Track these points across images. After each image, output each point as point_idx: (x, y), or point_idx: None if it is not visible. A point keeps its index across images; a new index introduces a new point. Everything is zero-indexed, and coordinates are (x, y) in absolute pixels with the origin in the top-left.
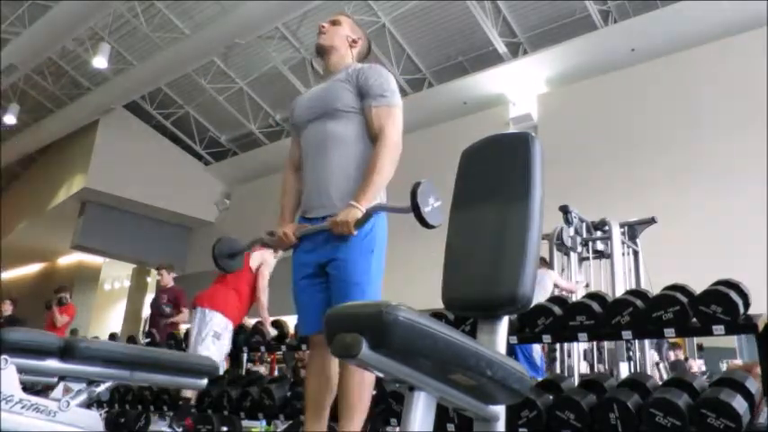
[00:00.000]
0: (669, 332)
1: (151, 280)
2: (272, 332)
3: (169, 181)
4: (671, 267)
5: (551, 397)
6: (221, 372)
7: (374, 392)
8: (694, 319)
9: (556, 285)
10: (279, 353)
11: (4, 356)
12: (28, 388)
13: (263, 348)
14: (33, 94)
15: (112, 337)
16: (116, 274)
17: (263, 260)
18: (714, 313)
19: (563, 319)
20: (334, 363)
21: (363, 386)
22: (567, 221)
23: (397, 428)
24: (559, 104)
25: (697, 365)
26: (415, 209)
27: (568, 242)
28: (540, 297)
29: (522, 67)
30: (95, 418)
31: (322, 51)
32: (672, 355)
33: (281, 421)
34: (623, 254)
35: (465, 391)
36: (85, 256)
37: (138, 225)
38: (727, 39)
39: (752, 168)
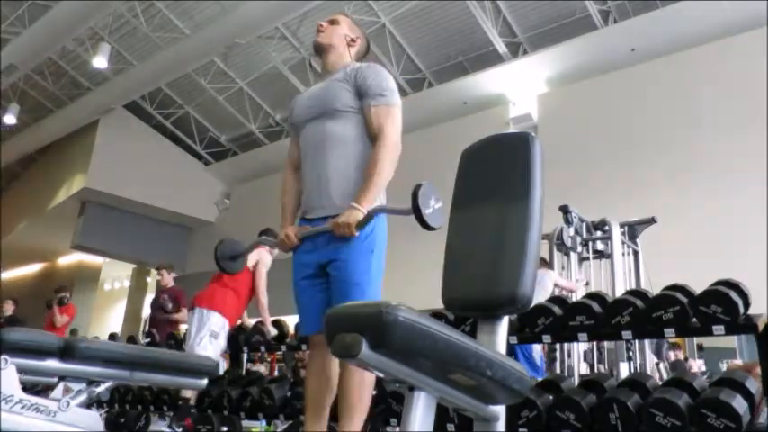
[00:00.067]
0: (669, 332)
1: (151, 280)
2: (273, 332)
3: (169, 181)
4: (671, 267)
5: (551, 397)
6: (221, 371)
7: (374, 392)
8: (694, 319)
9: (556, 285)
10: (279, 353)
11: (4, 356)
12: (28, 388)
13: (263, 348)
14: (33, 94)
15: (112, 337)
16: (116, 274)
17: (260, 259)
18: (714, 313)
19: (563, 319)
20: (335, 363)
21: (363, 386)
22: (567, 221)
23: (397, 428)
24: (559, 104)
25: (697, 365)
26: (416, 211)
27: (568, 242)
28: (540, 297)
29: (522, 67)
30: (95, 418)
31: (320, 50)
32: (672, 355)
33: (281, 421)
34: (623, 254)
35: (465, 391)
36: (85, 256)
37: (138, 225)
38: (727, 39)
39: (752, 168)
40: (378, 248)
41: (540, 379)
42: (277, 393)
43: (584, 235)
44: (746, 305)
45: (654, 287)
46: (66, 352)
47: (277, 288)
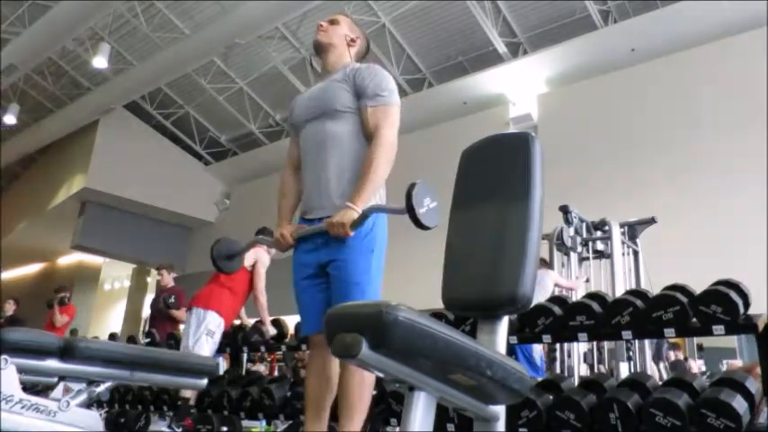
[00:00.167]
0: (669, 332)
1: (151, 280)
2: (272, 331)
3: (169, 181)
4: (671, 267)
5: (551, 397)
6: (221, 371)
7: (374, 392)
8: (694, 319)
9: (557, 285)
10: (279, 353)
11: (4, 356)
12: (28, 388)
13: (263, 348)
14: (33, 94)
15: (112, 337)
16: (116, 274)
17: (259, 259)
18: (714, 313)
19: (563, 319)
20: (335, 363)
21: (363, 386)
22: (567, 221)
23: (397, 428)
24: (559, 104)
25: (697, 365)
26: (410, 210)
27: (568, 242)
28: (540, 297)
29: (522, 67)
30: (95, 418)
31: (320, 49)
32: (672, 355)
33: (281, 421)
34: (623, 254)
35: (465, 391)
36: (85, 256)
37: (138, 225)
38: (727, 39)
39: (752, 168)
40: (378, 248)
41: (540, 379)
42: (277, 393)
43: (584, 235)
44: (746, 305)
45: (654, 287)
46: (66, 352)
47: (276, 288)
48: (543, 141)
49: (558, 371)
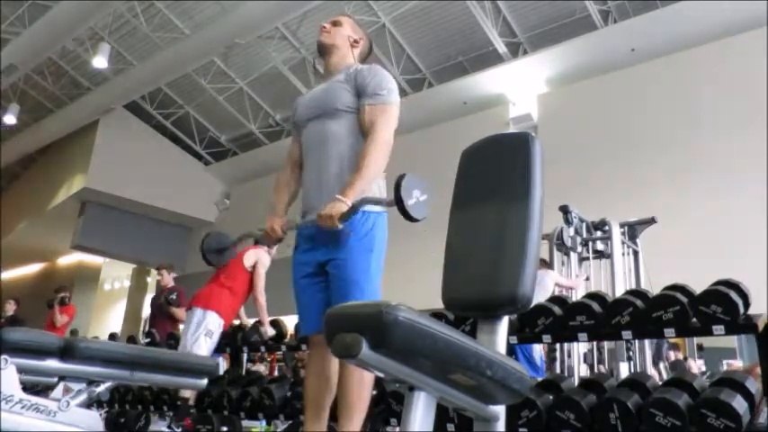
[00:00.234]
0: (669, 332)
1: (151, 280)
2: (270, 332)
3: (169, 181)
4: (671, 267)
5: (551, 397)
6: (221, 371)
7: (374, 392)
8: (694, 319)
9: (557, 285)
10: (279, 353)
11: (4, 356)
12: (28, 388)
13: (263, 348)
14: (33, 94)
15: (112, 337)
16: (116, 274)
17: (258, 259)
18: (714, 313)
19: (563, 319)
20: (334, 363)
21: (363, 386)
22: (567, 221)
23: (397, 428)
24: (559, 104)
25: (697, 365)
26: (399, 202)
27: (568, 242)
28: (540, 297)
29: (522, 67)
30: (95, 418)
31: (323, 50)
32: (672, 355)
33: (281, 421)
34: (623, 254)
35: (465, 391)
36: (85, 256)
37: (138, 225)
38: (727, 39)
39: (752, 168)
40: (377, 248)
41: (540, 379)
42: (277, 393)
43: (584, 235)
44: (746, 305)
45: (654, 287)
46: (66, 352)
47: (276, 288)
48: (543, 141)
49: (557, 371)
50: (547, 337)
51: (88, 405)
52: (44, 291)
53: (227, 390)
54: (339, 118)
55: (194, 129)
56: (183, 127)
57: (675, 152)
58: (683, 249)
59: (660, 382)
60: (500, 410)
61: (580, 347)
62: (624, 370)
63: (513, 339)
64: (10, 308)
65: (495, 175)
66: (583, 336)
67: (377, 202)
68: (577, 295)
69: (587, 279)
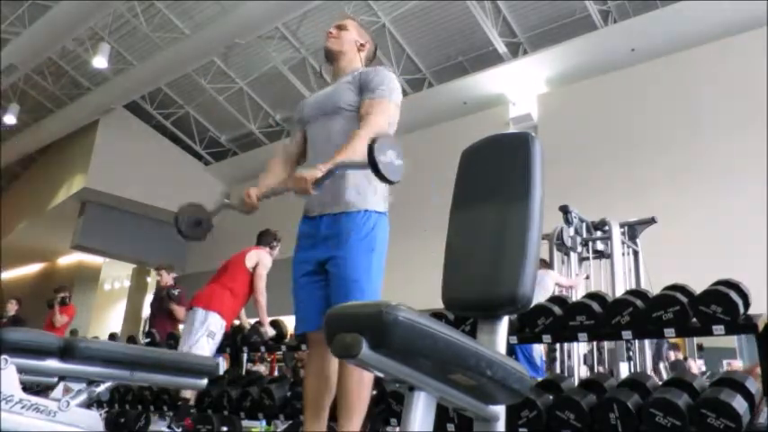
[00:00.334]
0: (669, 332)
1: (151, 280)
2: (270, 332)
3: (169, 181)
4: (671, 267)
5: (551, 397)
6: (221, 371)
7: (374, 392)
8: (694, 319)
9: (557, 284)
10: (279, 353)
11: (4, 356)
12: (28, 388)
13: (263, 348)
14: (33, 94)
15: (112, 337)
16: (116, 274)
17: (260, 260)
18: (714, 313)
19: (563, 319)
20: (334, 362)
21: (362, 385)
22: (567, 221)
23: (397, 428)
24: (559, 104)
25: (697, 365)
26: (372, 162)
27: (568, 242)
28: (540, 297)
29: (522, 67)
30: (95, 418)
31: (331, 56)
32: (672, 355)
33: (281, 421)
34: (623, 254)
35: (465, 391)
36: (85, 256)
37: (138, 225)
38: (727, 39)
39: (752, 168)
40: (378, 248)
41: (540, 379)
42: (277, 393)
43: (584, 235)
44: (746, 305)
45: (654, 287)
46: (66, 352)
47: (276, 288)
48: (543, 141)
49: (557, 372)
50: (547, 337)
51: (88, 405)
52: (44, 291)
53: (227, 390)
54: (343, 117)
55: (194, 129)
56: (183, 127)
57: (675, 152)
58: (683, 249)
59: (660, 382)
60: (500, 410)
61: (580, 348)
62: (624, 370)
63: (513, 339)
64: (12, 308)
65: (495, 175)
66: (583, 336)
67: (352, 165)
68: (577, 294)
69: (587, 278)
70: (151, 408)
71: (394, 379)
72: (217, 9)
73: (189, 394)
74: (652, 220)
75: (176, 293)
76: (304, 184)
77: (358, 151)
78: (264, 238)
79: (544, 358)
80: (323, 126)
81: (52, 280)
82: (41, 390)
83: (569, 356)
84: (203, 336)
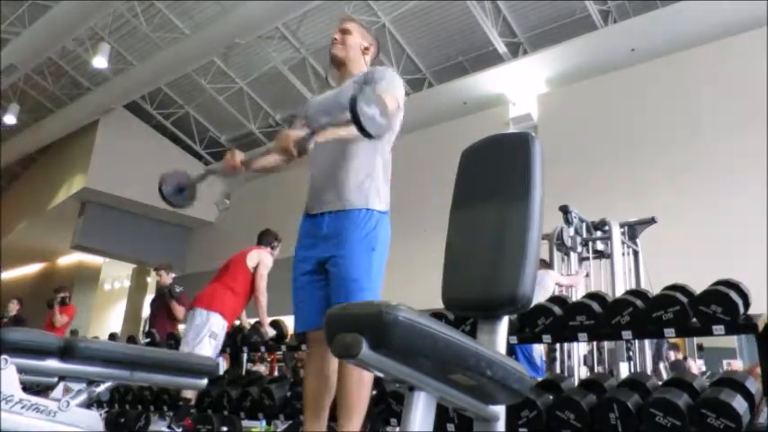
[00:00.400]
0: (669, 332)
1: (151, 280)
2: (270, 332)
3: None
4: (671, 267)
5: (551, 397)
6: (221, 371)
7: (374, 392)
8: (694, 319)
9: (557, 284)
10: (279, 353)
11: (4, 356)
12: (28, 388)
13: (263, 348)
14: (33, 94)
15: (112, 337)
16: (116, 274)
17: (261, 260)
18: (714, 313)
19: (563, 319)
20: (333, 362)
21: (362, 385)
22: (567, 221)
23: (397, 428)
24: (559, 104)
25: (697, 365)
26: (353, 112)
27: (568, 242)
28: (540, 297)
29: (522, 67)
30: (95, 418)
31: (337, 62)
32: (672, 355)
33: (281, 421)
34: (623, 254)
35: (465, 391)
36: (85, 256)
37: (138, 225)
38: (727, 39)
39: (752, 168)
40: (379, 248)
41: (540, 379)
42: (277, 393)
43: (584, 235)
44: (746, 305)
45: (654, 287)
46: (66, 352)
47: (276, 288)
48: (543, 141)
49: (557, 372)
50: (547, 337)
51: (88, 405)
52: (44, 291)
53: (227, 390)
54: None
55: (194, 129)
56: (183, 127)
57: (675, 152)
58: (683, 249)
59: (660, 382)
60: (500, 410)
61: (580, 348)
62: (624, 370)
63: (513, 339)
64: (13, 307)
65: (495, 175)
66: (583, 336)
67: (333, 122)
68: (577, 294)
69: (587, 275)
70: (151, 408)
71: (394, 379)
72: (217, 9)
73: (190, 394)
74: (652, 220)
75: (178, 291)
76: (285, 142)
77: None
78: (265, 238)
79: (544, 358)
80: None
81: (52, 280)
82: (41, 390)
83: (569, 356)
84: (206, 336)
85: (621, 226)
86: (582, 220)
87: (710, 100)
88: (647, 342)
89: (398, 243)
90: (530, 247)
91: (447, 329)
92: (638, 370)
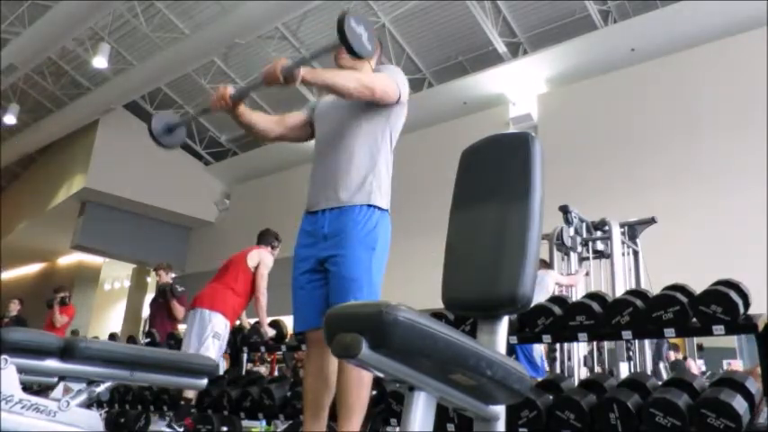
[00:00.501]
0: (669, 332)
1: (151, 280)
2: (270, 333)
3: (169, 181)
4: (671, 267)
5: (551, 397)
6: (221, 371)
7: (374, 392)
8: (694, 319)
9: (557, 284)
10: (279, 353)
11: (4, 356)
12: (28, 388)
13: (263, 348)
14: (33, 94)
15: (112, 337)
16: (116, 274)
17: (261, 260)
18: (714, 313)
19: (563, 319)
20: (333, 362)
21: (361, 386)
22: (567, 221)
23: (397, 428)
24: (559, 104)
25: (697, 365)
26: (341, 29)
27: (568, 242)
28: (540, 297)
29: (522, 67)
30: (95, 418)
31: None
32: (672, 355)
33: (281, 421)
34: (623, 254)
35: (465, 391)
36: (85, 256)
37: (138, 225)
38: (727, 39)
39: (752, 168)
40: (379, 247)
41: (540, 379)
42: (277, 393)
43: (584, 235)
44: (746, 305)
45: (654, 287)
46: (66, 352)
47: (277, 288)
48: (543, 141)
49: (557, 372)
50: (547, 337)
51: (88, 405)
52: (44, 291)
53: (227, 390)
54: (354, 118)
55: (194, 129)
56: None
57: (675, 152)
58: (683, 249)
59: (660, 382)
60: (500, 410)
61: (580, 348)
62: (624, 370)
63: (513, 339)
64: (14, 307)
65: (495, 175)
66: (583, 336)
67: (322, 51)
68: (577, 293)
69: (587, 274)
70: (151, 408)
71: (394, 379)
72: (217, 9)
73: (191, 394)
74: (652, 220)
75: (180, 290)
76: (273, 68)
77: (338, 78)
78: (265, 238)
79: (545, 358)
80: (332, 128)
81: (52, 280)
82: (41, 390)
83: (569, 357)
84: (209, 337)
85: (621, 226)
86: (582, 220)
87: (710, 100)
88: (647, 342)
89: (398, 243)
90: (530, 247)
91: (447, 329)
92: (638, 370)
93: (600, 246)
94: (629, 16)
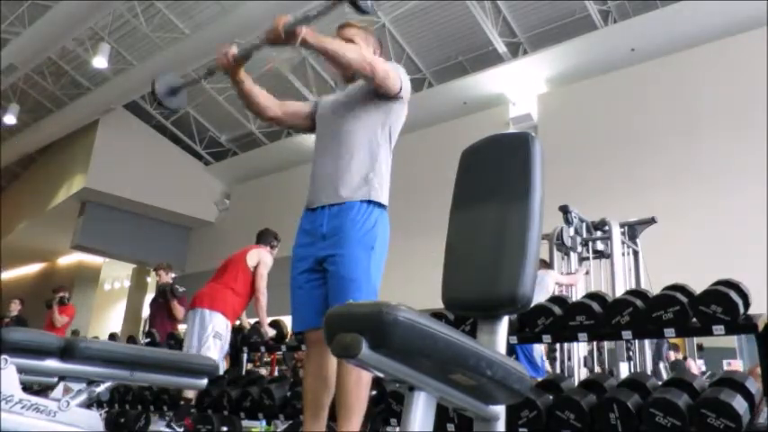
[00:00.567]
0: (669, 332)
1: (151, 280)
2: (270, 333)
3: (169, 181)
4: (671, 267)
5: (551, 397)
6: (221, 371)
7: (374, 392)
8: (694, 319)
9: (557, 284)
10: (279, 353)
11: (4, 356)
12: (28, 388)
13: (263, 349)
14: (33, 94)
15: (112, 337)
16: (116, 274)
17: (261, 259)
18: (714, 313)
19: (563, 319)
20: (332, 362)
21: (361, 385)
22: (567, 221)
23: (397, 428)
24: (559, 104)
25: (697, 365)
26: None
27: (568, 242)
28: (540, 297)
29: (522, 67)
30: (95, 418)
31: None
32: (672, 355)
33: (281, 421)
34: (623, 254)
35: (465, 391)
36: (85, 256)
37: (138, 225)
38: (727, 39)
39: (752, 168)
40: (379, 247)
41: (540, 379)
42: (277, 393)
43: (584, 235)
44: (746, 305)
45: (654, 287)
46: (66, 352)
47: (276, 288)
48: (543, 141)
49: (557, 372)
50: (547, 337)
51: (88, 405)
52: (44, 291)
53: (227, 390)
54: (356, 116)
55: (194, 129)
56: (182, 127)
57: (675, 152)
58: (683, 249)
59: (660, 382)
60: (500, 410)
61: (580, 348)
62: (624, 370)
63: (513, 339)
64: (15, 307)
65: (495, 175)
66: (583, 336)
67: (324, 11)
68: (577, 292)
69: (587, 273)
70: (151, 408)
71: (394, 379)
72: (217, 9)
73: (191, 394)
74: (652, 220)
75: (180, 290)
76: (275, 24)
77: (340, 50)
78: (264, 238)
79: (545, 358)
80: (333, 125)
81: (52, 280)
82: (41, 390)
83: (569, 357)
84: (210, 337)
85: (621, 226)
86: (582, 220)
87: (710, 100)
88: (647, 342)
89: (398, 243)
90: (530, 247)
91: (447, 329)
92: (638, 370)
93: (600, 246)
94: (629, 16)
